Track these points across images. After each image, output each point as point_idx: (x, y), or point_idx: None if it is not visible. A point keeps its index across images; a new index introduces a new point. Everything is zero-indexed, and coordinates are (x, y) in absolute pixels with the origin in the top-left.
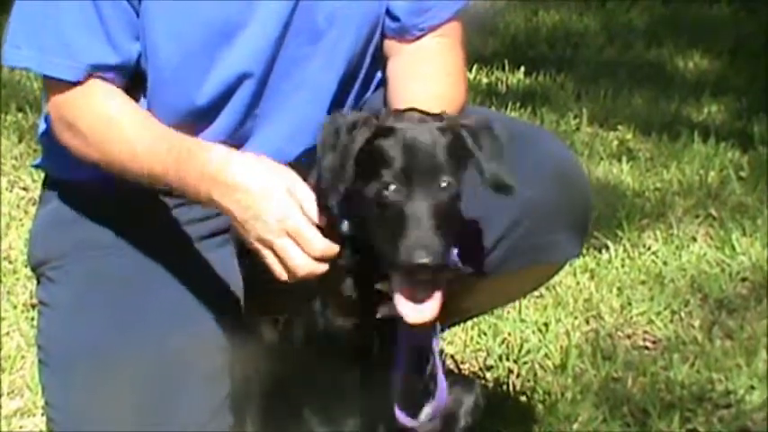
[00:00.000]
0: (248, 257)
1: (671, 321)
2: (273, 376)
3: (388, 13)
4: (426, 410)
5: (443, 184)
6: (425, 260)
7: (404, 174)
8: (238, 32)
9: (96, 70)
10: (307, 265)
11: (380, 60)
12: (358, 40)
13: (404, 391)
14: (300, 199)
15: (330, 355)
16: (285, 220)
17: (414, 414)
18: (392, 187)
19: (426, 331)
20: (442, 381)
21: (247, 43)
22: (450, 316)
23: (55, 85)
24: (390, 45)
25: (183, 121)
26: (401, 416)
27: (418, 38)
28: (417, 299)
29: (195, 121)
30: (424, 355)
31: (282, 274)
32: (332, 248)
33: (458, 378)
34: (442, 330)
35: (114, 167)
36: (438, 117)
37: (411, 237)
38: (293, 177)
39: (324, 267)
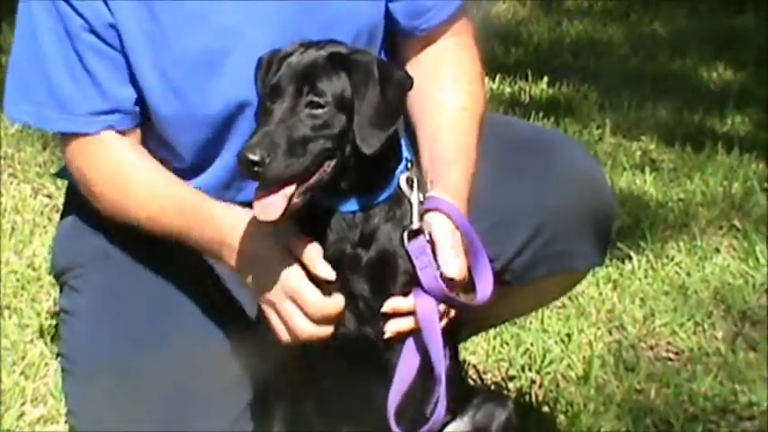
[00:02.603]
0: None
1: (694, 333)
2: (288, 380)
3: (389, 16)
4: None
5: (312, 99)
6: (254, 157)
7: (278, 82)
8: (223, 62)
9: (94, 119)
10: (308, 329)
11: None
12: None
13: (402, 405)
14: (302, 256)
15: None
16: (285, 284)
17: (410, 429)
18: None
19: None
20: (443, 397)
21: (237, 71)
22: (471, 326)
23: (66, 139)
24: (403, 52)
25: (193, 155)
26: (396, 428)
27: (428, 40)
28: (262, 197)
29: (204, 152)
30: (427, 368)
31: (285, 336)
32: (333, 308)
33: (490, 394)
34: (465, 340)
35: (134, 223)
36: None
37: (254, 134)
38: (295, 237)
39: (327, 331)
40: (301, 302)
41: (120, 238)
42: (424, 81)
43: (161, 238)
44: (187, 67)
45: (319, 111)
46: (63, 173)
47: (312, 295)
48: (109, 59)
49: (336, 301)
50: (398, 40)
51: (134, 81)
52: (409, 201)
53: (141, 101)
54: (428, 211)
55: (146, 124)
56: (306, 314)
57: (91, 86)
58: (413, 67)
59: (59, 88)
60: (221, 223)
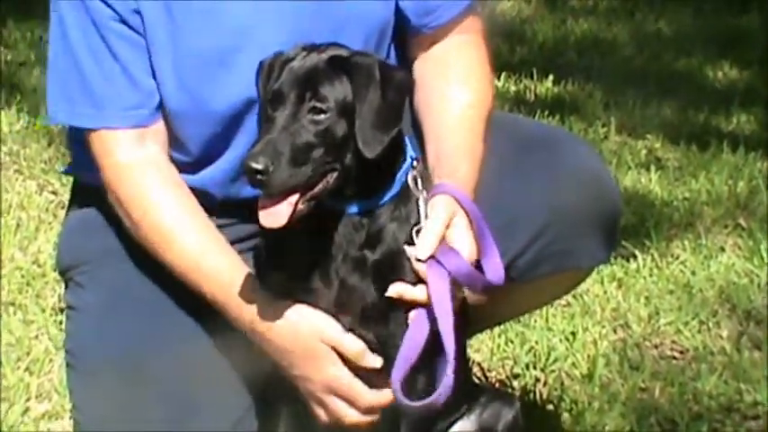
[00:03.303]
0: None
1: (699, 331)
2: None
3: (399, 14)
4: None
5: (315, 105)
6: (258, 165)
7: (279, 88)
8: (233, 59)
9: (123, 112)
10: (356, 418)
11: (404, 64)
12: (366, 49)
13: (412, 384)
14: (340, 346)
15: None
16: (330, 382)
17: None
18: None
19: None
20: (451, 363)
21: (247, 69)
22: (475, 323)
23: (97, 142)
24: (413, 48)
25: (200, 149)
26: (402, 396)
27: (437, 37)
28: (268, 205)
29: (211, 147)
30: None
31: (327, 420)
32: (382, 398)
33: (497, 393)
34: (469, 338)
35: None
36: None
37: (257, 142)
38: (330, 328)
39: (374, 417)
40: (349, 398)
41: (127, 235)
42: (431, 78)
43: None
44: (198, 63)
45: (322, 116)
46: (69, 169)
47: (363, 391)
48: (137, 47)
49: (385, 394)
50: (407, 37)
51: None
52: (416, 199)
53: None
54: (433, 196)
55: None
56: (356, 408)
57: (121, 77)
58: (421, 64)
59: (90, 82)
60: (256, 307)
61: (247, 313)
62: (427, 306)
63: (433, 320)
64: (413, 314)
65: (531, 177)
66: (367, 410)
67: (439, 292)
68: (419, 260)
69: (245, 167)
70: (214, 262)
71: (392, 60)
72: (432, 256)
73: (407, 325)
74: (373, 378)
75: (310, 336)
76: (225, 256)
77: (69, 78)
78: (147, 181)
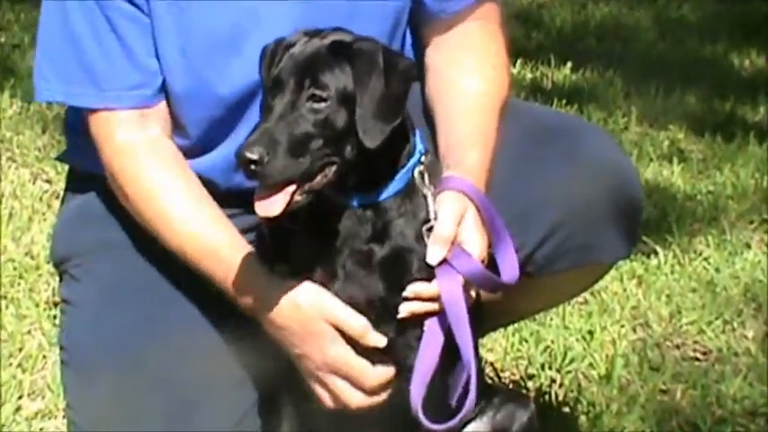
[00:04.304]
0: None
1: (723, 331)
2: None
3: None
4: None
5: (314, 93)
6: (252, 155)
7: (279, 75)
8: (244, 41)
9: (124, 92)
10: (360, 400)
11: (417, 50)
12: (381, 36)
13: (429, 395)
14: (342, 323)
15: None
16: (332, 361)
17: (438, 420)
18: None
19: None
20: (474, 385)
21: (256, 53)
22: (489, 320)
23: (96, 122)
24: (426, 33)
25: (200, 133)
26: (426, 420)
27: (453, 23)
28: (264, 196)
29: (213, 132)
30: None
31: (332, 404)
32: (386, 376)
33: (511, 394)
34: (482, 336)
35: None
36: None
37: (254, 131)
38: (331, 304)
39: (380, 399)
40: (352, 378)
41: (124, 226)
42: (444, 66)
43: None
44: (205, 45)
45: (321, 105)
46: (64, 156)
47: (365, 370)
48: (141, 26)
49: (387, 371)
50: (422, 23)
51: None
52: (424, 195)
53: None
54: (441, 191)
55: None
56: (358, 387)
57: (123, 56)
58: (434, 51)
59: (91, 62)
60: (257, 284)
61: (248, 290)
62: (441, 313)
63: (446, 327)
64: (426, 324)
65: (549, 168)
66: (371, 391)
67: (452, 300)
68: (426, 265)
69: (239, 157)
70: (214, 239)
71: (407, 46)
72: (444, 260)
73: (419, 325)
74: (377, 358)
75: (311, 312)
76: (225, 234)
77: (66, 57)
78: (148, 161)
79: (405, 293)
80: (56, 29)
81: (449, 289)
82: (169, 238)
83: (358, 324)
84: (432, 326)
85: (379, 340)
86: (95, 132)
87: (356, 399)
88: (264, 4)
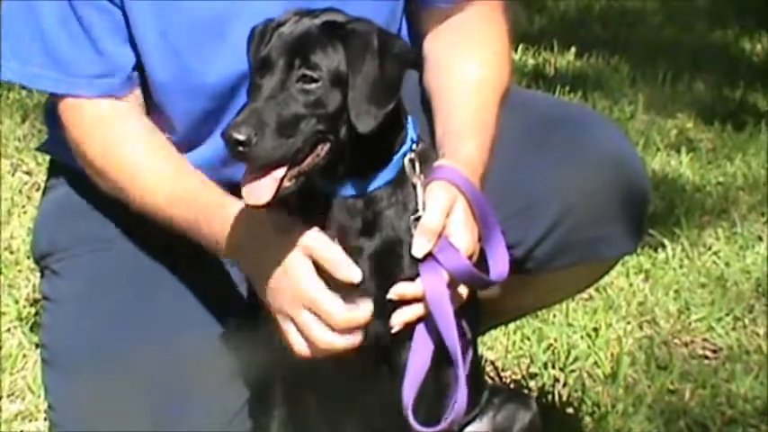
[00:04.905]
0: None
1: (733, 328)
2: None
3: None
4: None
5: (305, 73)
6: (240, 136)
7: (268, 54)
8: (229, 27)
9: (91, 83)
10: (329, 341)
11: (415, 42)
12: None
13: (419, 396)
14: (321, 258)
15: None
16: (303, 293)
17: (429, 422)
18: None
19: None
20: (463, 387)
21: (242, 39)
22: (489, 317)
23: (65, 106)
24: (425, 19)
25: (188, 127)
26: (415, 423)
27: (452, 11)
28: (251, 181)
29: (200, 125)
30: (443, 357)
31: (303, 350)
32: (357, 318)
33: (513, 394)
34: (482, 334)
35: (130, 206)
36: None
37: (241, 111)
38: (310, 234)
39: (351, 341)
40: (324, 313)
41: (109, 219)
42: (443, 51)
43: (160, 226)
44: (190, 30)
45: (312, 86)
46: (45, 147)
47: (336, 306)
48: (107, 15)
49: (363, 309)
50: (419, 10)
51: (133, 43)
52: (413, 184)
53: (138, 65)
54: (431, 181)
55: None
56: (328, 325)
57: (88, 45)
58: (433, 39)
59: (56, 46)
60: (232, 223)
61: (220, 227)
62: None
63: (434, 326)
64: (416, 330)
65: (551, 159)
66: (341, 330)
67: (436, 298)
68: (415, 258)
69: (225, 137)
70: (183, 185)
71: (404, 35)
72: (429, 253)
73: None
74: (352, 295)
75: (283, 241)
76: (195, 179)
77: (27, 37)
78: (118, 130)
79: (389, 295)
80: (20, 10)
81: (433, 287)
82: (137, 195)
83: (333, 253)
84: (421, 332)
85: (354, 274)
86: (62, 116)
87: (324, 337)
88: None
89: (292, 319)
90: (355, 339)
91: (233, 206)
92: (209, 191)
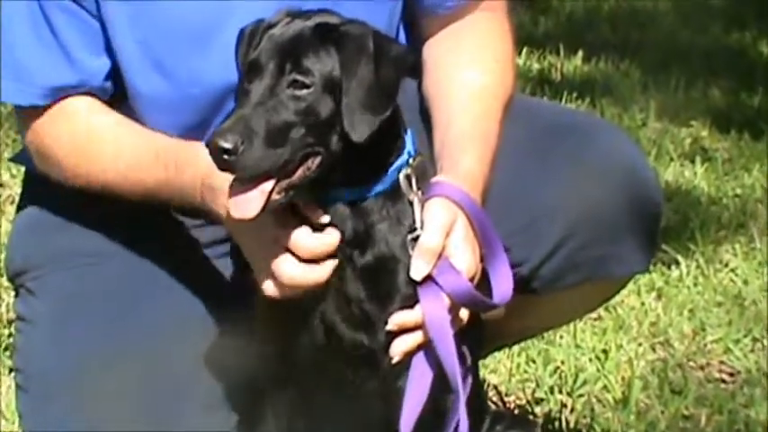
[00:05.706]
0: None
1: (751, 350)
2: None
3: None
4: None
5: (296, 78)
6: (226, 144)
7: (257, 58)
8: (213, 38)
9: (56, 93)
10: (295, 272)
11: (417, 42)
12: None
13: (418, 422)
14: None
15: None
16: (270, 227)
17: None
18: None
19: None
20: (463, 415)
21: (230, 48)
22: (492, 339)
23: (23, 116)
24: (426, 25)
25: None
26: None
27: (453, 18)
28: (238, 193)
29: (189, 138)
30: (443, 384)
31: (271, 290)
32: (326, 242)
33: (517, 420)
34: (485, 356)
35: (105, 189)
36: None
37: (227, 118)
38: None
39: (319, 273)
40: (288, 242)
41: (86, 235)
42: (443, 57)
43: (133, 200)
44: (174, 39)
45: (303, 92)
46: (19, 158)
47: (299, 232)
48: (81, 22)
49: (326, 238)
50: (419, 17)
51: (112, 53)
52: (410, 201)
53: (117, 76)
54: (429, 198)
55: (122, 104)
56: (294, 254)
57: (59, 53)
58: (433, 44)
59: (22, 55)
60: (202, 165)
61: (197, 181)
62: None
63: (434, 353)
64: (414, 360)
65: (557, 171)
66: (306, 258)
67: (436, 325)
68: (413, 281)
69: (210, 146)
70: (155, 146)
71: (402, 42)
72: (428, 276)
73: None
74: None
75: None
76: (167, 139)
77: None
78: (77, 117)
79: (387, 327)
80: None
81: (433, 313)
82: (107, 171)
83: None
84: (420, 359)
85: (318, 215)
86: (21, 124)
87: (288, 267)
88: None
89: (260, 256)
90: (319, 274)
91: (198, 153)
92: (174, 142)
